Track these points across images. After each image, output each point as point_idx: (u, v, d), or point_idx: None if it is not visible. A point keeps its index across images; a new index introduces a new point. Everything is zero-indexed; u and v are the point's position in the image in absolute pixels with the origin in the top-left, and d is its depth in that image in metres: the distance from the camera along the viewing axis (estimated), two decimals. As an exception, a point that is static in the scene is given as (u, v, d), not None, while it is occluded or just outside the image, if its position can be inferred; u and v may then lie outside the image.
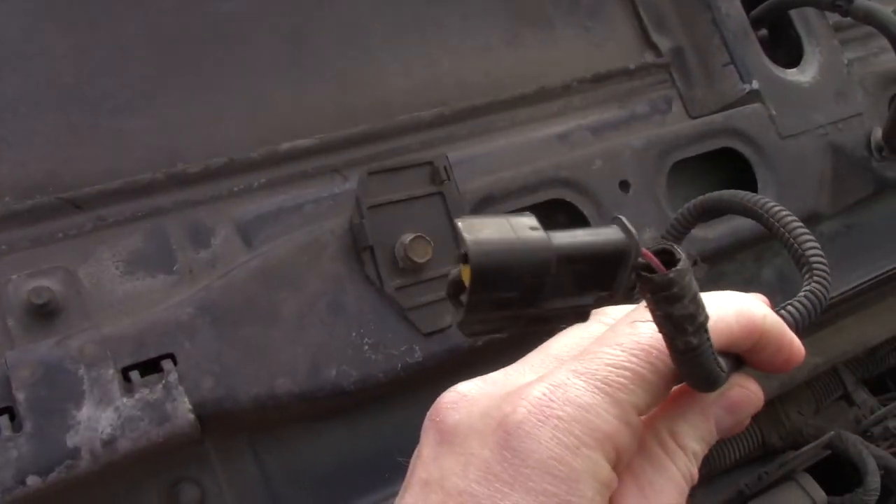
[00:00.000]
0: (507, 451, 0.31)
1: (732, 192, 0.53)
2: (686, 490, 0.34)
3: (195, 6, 0.55)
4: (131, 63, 0.53)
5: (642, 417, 0.34)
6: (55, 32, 0.51)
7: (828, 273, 0.44)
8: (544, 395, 0.32)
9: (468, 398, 0.34)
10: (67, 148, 0.50)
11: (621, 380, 0.32)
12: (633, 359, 0.33)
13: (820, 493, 0.71)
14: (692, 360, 0.31)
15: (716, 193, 0.53)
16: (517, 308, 0.28)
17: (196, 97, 0.53)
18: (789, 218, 0.47)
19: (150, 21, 0.54)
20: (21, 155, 0.49)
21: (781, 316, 0.40)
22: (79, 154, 0.50)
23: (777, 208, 0.50)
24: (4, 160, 0.48)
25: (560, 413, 0.31)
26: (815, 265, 0.45)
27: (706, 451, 0.36)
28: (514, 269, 0.27)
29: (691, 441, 0.35)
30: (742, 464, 0.75)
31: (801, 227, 0.45)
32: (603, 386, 0.32)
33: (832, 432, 0.72)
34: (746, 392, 0.37)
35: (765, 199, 0.49)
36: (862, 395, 0.81)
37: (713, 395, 0.36)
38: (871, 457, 0.71)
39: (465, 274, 0.27)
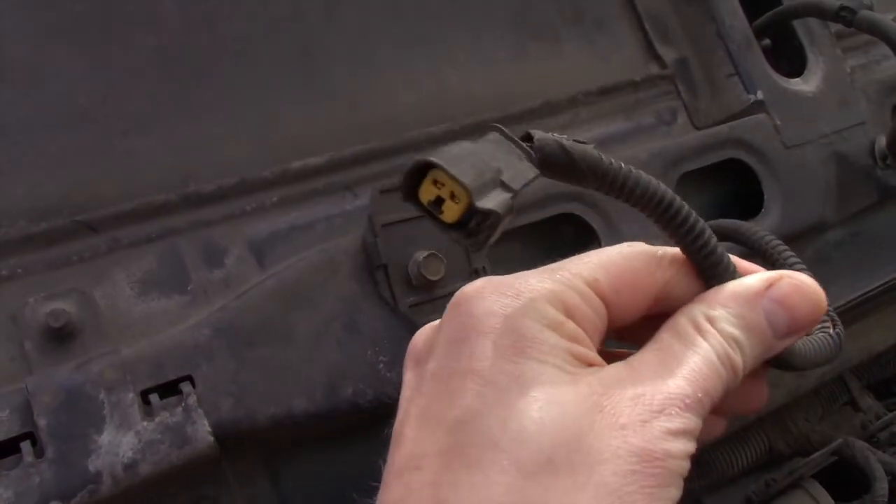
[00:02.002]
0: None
1: (734, 222, 0.53)
2: (722, 372, 0.34)
3: (205, 27, 0.55)
4: (143, 84, 0.53)
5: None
6: (67, 54, 0.52)
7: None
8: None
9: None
10: (81, 170, 0.50)
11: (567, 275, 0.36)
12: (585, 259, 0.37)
13: (828, 500, 0.71)
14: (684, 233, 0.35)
15: (714, 223, 0.54)
16: None
17: (207, 117, 0.54)
18: (787, 253, 0.47)
19: (161, 42, 0.54)
20: (35, 177, 0.49)
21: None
22: (92, 176, 0.50)
23: (776, 242, 0.50)
24: (18, 182, 0.49)
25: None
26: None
27: (760, 353, 0.35)
28: None
29: (730, 326, 0.34)
30: (749, 471, 0.75)
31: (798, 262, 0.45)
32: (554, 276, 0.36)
33: (840, 439, 0.72)
34: (799, 284, 0.36)
35: (763, 232, 0.49)
36: (867, 401, 0.82)
37: (756, 286, 0.35)
38: (878, 463, 0.72)
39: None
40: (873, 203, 0.71)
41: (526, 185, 0.32)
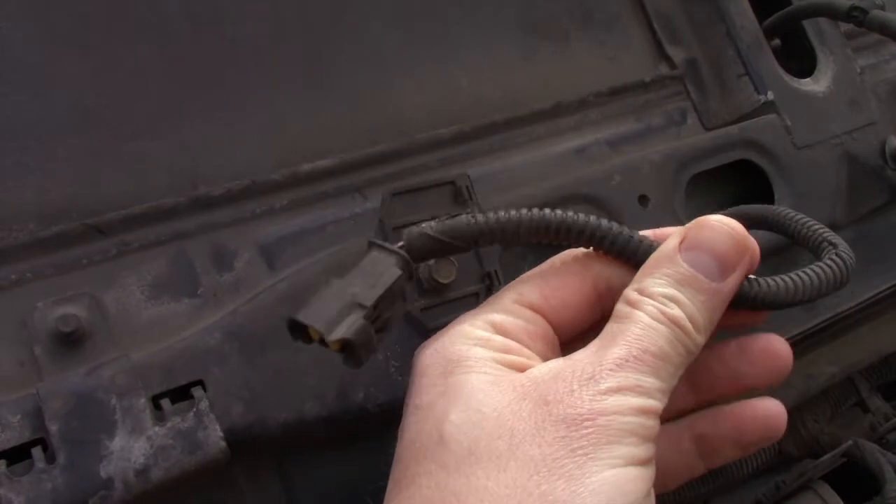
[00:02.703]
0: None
1: (743, 207, 0.53)
2: (662, 328, 0.35)
3: (213, 29, 0.55)
4: (151, 87, 0.53)
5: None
6: (74, 57, 0.51)
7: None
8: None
9: None
10: (89, 173, 0.50)
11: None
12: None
13: (838, 502, 0.71)
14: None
15: (737, 209, 0.54)
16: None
17: (216, 120, 0.53)
18: (810, 221, 0.47)
19: (168, 44, 0.53)
20: (44, 181, 0.49)
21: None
22: (101, 179, 0.50)
23: (796, 215, 0.50)
24: (28, 186, 0.48)
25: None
26: (837, 243, 0.44)
27: (707, 300, 0.36)
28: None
29: (660, 287, 0.36)
30: (759, 473, 0.75)
31: (820, 226, 0.46)
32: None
33: (849, 441, 0.72)
34: (706, 225, 0.37)
35: (783, 209, 0.49)
36: (876, 402, 0.81)
37: (671, 244, 0.37)
38: (888, 465, 0.71)
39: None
40: (884, 203, 0.71)
41: (387, 289, 0.38)
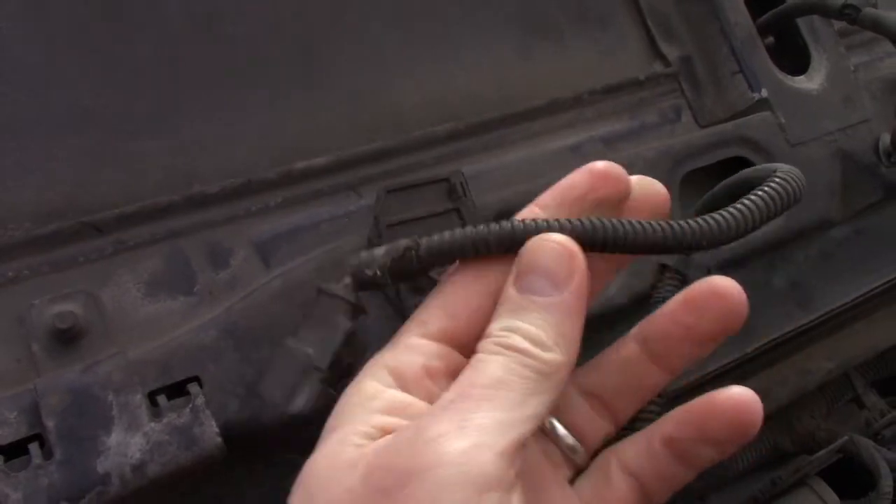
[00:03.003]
0: None
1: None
2: (498, 359, 0.33)
3: (208, 28, 0.55)
4: (146, 86, 0.53)
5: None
6: (72, 57, 0.52)
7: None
8: None
9: None
10: (86, 172, 0.50)
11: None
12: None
13: (833, 498, 0.71)
14: None
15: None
16: None
17: (211, 119, 0.54)
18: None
19: (164, 44, 0.54)
20: (40, 179, 0.49)
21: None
22: (97, 178, 0.50)
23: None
24: (24, 185, 0.49)
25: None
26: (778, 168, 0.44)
27: (538, 315, 0.34)
28: None
29: (497, 324, 0.34)
30: (754, 469, 0.75)
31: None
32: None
33: (845, 437, 0.72)
34: (525, 251, 0.36)
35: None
36: (872, 398, 0.82)
37: (508, 281, 0.36)
38: (883, 461, 0.72)
39: None
40: (878, 200, 0.71)
41: (340, 344, 0.38)
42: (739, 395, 0.36)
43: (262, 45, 0.56)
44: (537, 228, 0.37)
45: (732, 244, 0.61)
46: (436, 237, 0.38)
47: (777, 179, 0.42)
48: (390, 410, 0.34)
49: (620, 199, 0.39)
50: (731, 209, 0.40)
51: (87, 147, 0.50)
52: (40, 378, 0.42)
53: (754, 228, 0.40)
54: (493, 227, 0.37)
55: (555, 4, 0.67)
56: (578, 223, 0.37)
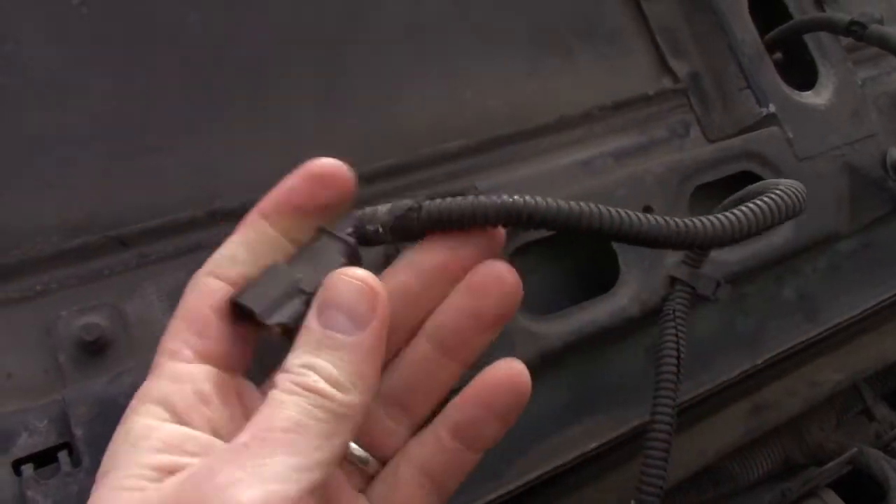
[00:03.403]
0: None
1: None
2: (297, 400, 0.32)
3: (228, 44, 0.56)
4: (168, 102, 0.54)
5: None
6: (93, 73, 0.53)
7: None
8: None
9: None
10: (110, 187, 0.52)
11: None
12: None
13: (843, 509, 0.71)
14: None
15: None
16: None
17: (231, 135, 0.55)
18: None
19: (185, 59, 0.55)
20: (66, 195, 0.51)
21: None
22: (120, 193, 0.52)
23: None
24: (50, 200, 0.50)
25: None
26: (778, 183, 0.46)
27: (337, 353, 0.34)
28: None
29: (296, 359, 0.34)
30: (764, 481, 0.76)
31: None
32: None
33: (855, 448, 0.73)
34: (329, 284, 0.36)
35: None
36: (882, 410, 0.82)
37: (310, 320, 0.36)
38: (893, 472, 0.72)
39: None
40: (885, 214, 0.72)
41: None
42: (511, 366, 0.40)
43: (279, 64, 0.58)
44: (538, 205, 0.38)
45: (742, 256, 0.63)
46: (438, 201, 0.39)
47: (777, 191, 0.44)
48: (169, 448, 0.32)
49: (343, 202, 0.40)
50: (727, 213, 0.42)
51: (111, 163, 0.52)
52: (68, 388, 0.43)
53: (749, 235, 0.42)
54: (495, 199, 0.38)
55: (564, 21, 0.68)
56: (579, 208, 0.39)
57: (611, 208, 0.40)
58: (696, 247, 0.41)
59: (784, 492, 0.72)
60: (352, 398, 0.33)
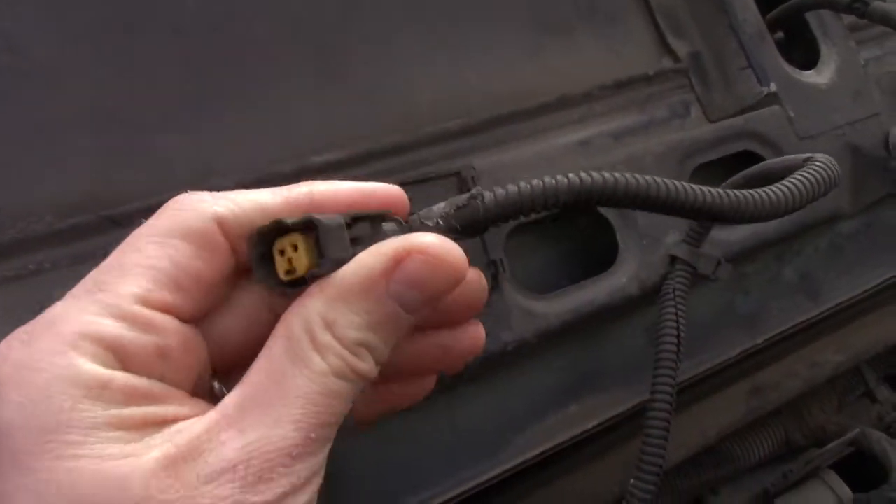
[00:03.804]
0: None
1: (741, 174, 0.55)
2: (342, 388, 0.28)
3: (225, 26, 0.56)
4: (165, 83, 0.54)
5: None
6: (90, 55, 0.53)
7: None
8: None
9: None
10: (105, 168, 0.51)
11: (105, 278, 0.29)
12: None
13: (846, 491, 0.71)
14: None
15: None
16: None
17: (229, 114, 0.55)
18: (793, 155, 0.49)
19: (182, 40, 0.55)
20: (60, 175, 0.50)
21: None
22: (116, 173, 0.51)
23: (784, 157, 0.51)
24: (45, 180, 0.50)
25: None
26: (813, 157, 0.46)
27: (397, 335, 0.30)
28: None
29: (354, 331, 0.29)
30: (766, 462, 0.76)
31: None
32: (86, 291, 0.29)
33: (857, 430, 0.73)
34: (422, 258, 0.30)
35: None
36: (884, 392, 0.82)
37: (378, 269, 0.29)
38: (895, 453, 0.72)
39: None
40: (887, 194, 0.72)
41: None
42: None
43: (279, 42, 0.57)
44: (605, 181, 0.35)
45: (743, 235, 0.62)
46: (500, 188, 0.35)
47: (819, 164, 0.43)
48: (132, 400, 0.26)
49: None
50: (781, 187, 0.41)
51: (105, 142, 0.51)
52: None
53: (799, 207, 0.41)
54: (563, 180, 0.35)
55: (565, 1, 0.68)
56: (645, 182, 0.37)
57: (675, 182, 0.38)
58: (756, 220, 0.40)
59: (786, 473, 0.72)
60: (373, 375, 0.30)
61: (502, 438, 0.53)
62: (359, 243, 0.31)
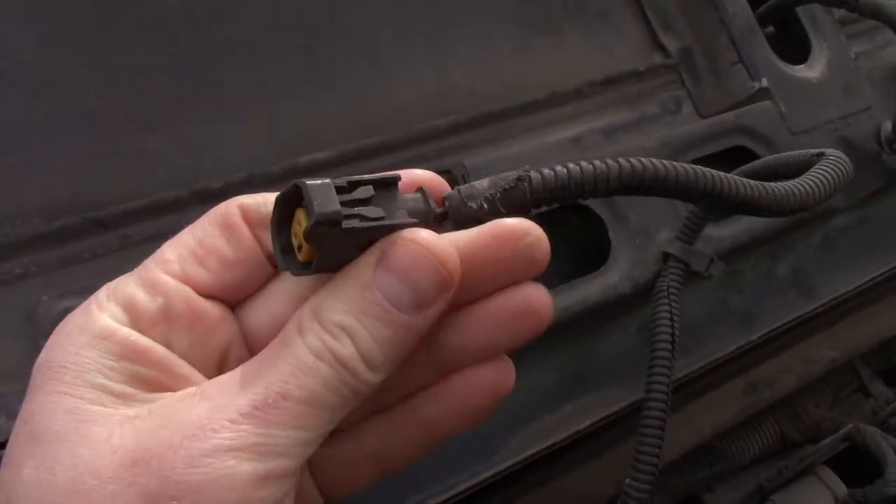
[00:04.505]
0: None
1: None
2: (320, 366, 0.28)
3: (210, 26, 0.55)
4: (151, 84, 0.53)
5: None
6: (75, 56, 0.52)
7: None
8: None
9: None
10: (91, 169, 0.51)
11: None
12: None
13: (840, 486, 0.71)
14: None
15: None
16: None
17: (215, 115, 0.54)
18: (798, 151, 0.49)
19: (167, 42, 0.54)
20: (46, 177, 0.50)
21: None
22: (103, 175, 0.51)
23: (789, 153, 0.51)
24: (31, 183, 0.49)
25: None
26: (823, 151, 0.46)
27: (393, 334, 0.30)
28: None
29: (336, 314, 0.29)
30: (761, 459, 0.75)
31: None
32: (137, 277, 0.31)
33: (851, 425, 0.73)
34: (410, 246, 0.30)
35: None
36: (878, 387, 0.82)
37: (367, 260, 0.30)
38: (890, 448, 0.72)
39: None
40: (880, 188, 0.71)
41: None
42: (497, 369, 0.34)
43: (263, 42, 0.57)
44: (657, 170, 0.34)
45: (735, 232, 0.62)
46: (547, 168, 0.33)
47: (835, 159, 0.43)
48: (128, 355, 0.29)
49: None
50: (805, 180, 0.41)
51: (91, 144, 0.51)
52: (49, 372, 0.42)
53: (824, 200, 0.41)
54: (614, 164, 0.33)
55: (554, -3, 0.67)
56: (693, 171, 0.35)
57: (720, 174, 0.37)
58: (793, 212, 0.40)
59: (780, 469, 0.72)
60: (377, 379, 0.30)
61: (497, 439, 0.52)
62: (368, 204, 0.30)
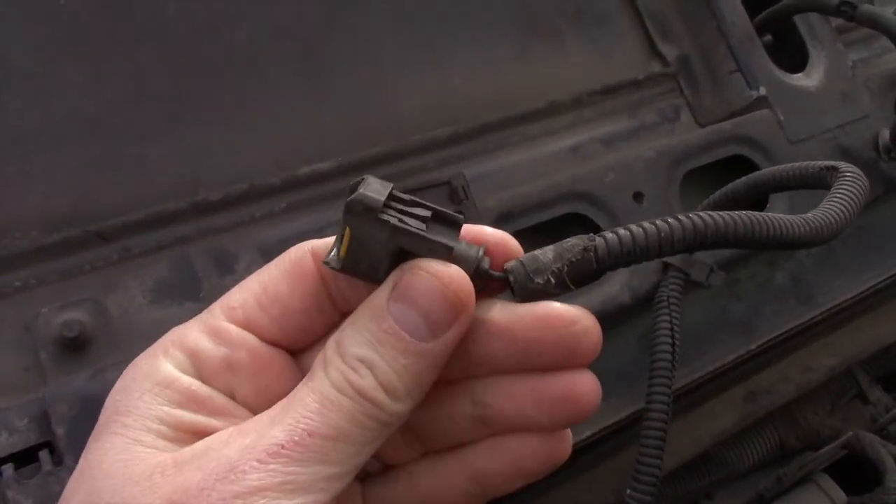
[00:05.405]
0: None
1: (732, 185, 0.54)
2: (343, 401, 0.29)
3: (211, 36, 0.55)
4: (150, 94, 0.53)
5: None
6: (74, 66, 0.52)
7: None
8: None
9: None
10: (90, 180, 0.51)
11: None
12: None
13: (839, 494, 0.71)
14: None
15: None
16: None
17: (215, 125, 0.54)
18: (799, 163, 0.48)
19: (167, 52, 0.54)
20: (46, 189, 0.50)
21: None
22: (102, 186, 0.51)
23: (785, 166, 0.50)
24: (30, 194, 0.49)
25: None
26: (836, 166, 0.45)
27: (411, 363, 0.30)
28: None
29: (355, 347, 0.30)
30: (760, 466, 0.75)
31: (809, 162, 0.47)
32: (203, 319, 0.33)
33: (850, 432, 0.73)
34: (420, 275, 0.30)
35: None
36: (877, 394, 0.82)
37: (384, 290, 0.31)
38: (889, 456, 0.72)
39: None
40: (877, 196, 0.72)
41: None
42: (554, 437, 0.34)
43: (263, 54, 0.57)
44: (717, 226, 0.33)
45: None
46: (611, 235, 0.33)
47: (848, 175, 0.43)
48: (188, 404, 0.30)
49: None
50: (829, 208, 0.40)
51: (91, 156, 0.51)
52: (48, 386, 0.42)
53: (852, 224, 0.41)
54: (677, 225, 0.33)
55: (552, 6, 0.67)
56: (750, 221, 0.35)
57: (772, 218, 0.36)
58: (827, 242, 0.40)
59: (780, 477, 0.72)
60: (402, 408, 0.30)
61: (497, 450, 0.52)
62: (417, 219, 0.31)
